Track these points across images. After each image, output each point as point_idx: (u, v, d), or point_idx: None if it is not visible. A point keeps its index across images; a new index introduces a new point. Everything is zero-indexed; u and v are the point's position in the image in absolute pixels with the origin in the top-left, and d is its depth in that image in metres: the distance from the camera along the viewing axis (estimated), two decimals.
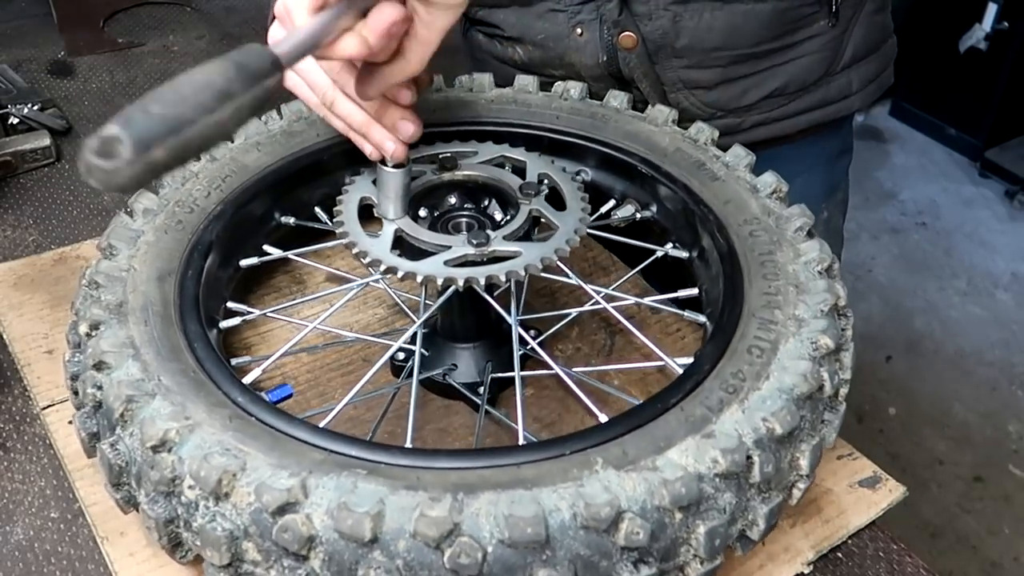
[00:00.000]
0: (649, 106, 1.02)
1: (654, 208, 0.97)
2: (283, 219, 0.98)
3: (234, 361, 0.85)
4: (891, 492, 0.83)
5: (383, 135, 0.80)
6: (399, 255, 0.79)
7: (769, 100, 1.14)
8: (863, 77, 1.18)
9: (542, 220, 0.84)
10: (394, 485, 0.62)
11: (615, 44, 1.09)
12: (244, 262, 0.93)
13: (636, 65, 1.09)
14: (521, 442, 0.73)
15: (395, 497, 0.61)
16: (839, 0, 1.10)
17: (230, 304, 0.89)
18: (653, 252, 0.95)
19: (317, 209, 1.00)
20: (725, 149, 0.96)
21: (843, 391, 0.77)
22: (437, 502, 0.60)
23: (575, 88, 1.05)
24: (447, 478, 0.63)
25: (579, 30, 1.10)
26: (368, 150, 0.82)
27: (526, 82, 1.07)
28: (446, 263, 0.77)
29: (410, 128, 0.80)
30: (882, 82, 1.22)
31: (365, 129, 0.81)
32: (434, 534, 0.59)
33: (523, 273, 0.76)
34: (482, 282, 0.75)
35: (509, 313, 0.81)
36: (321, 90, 0.82)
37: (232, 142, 0.97)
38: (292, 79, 0.83)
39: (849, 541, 0.81)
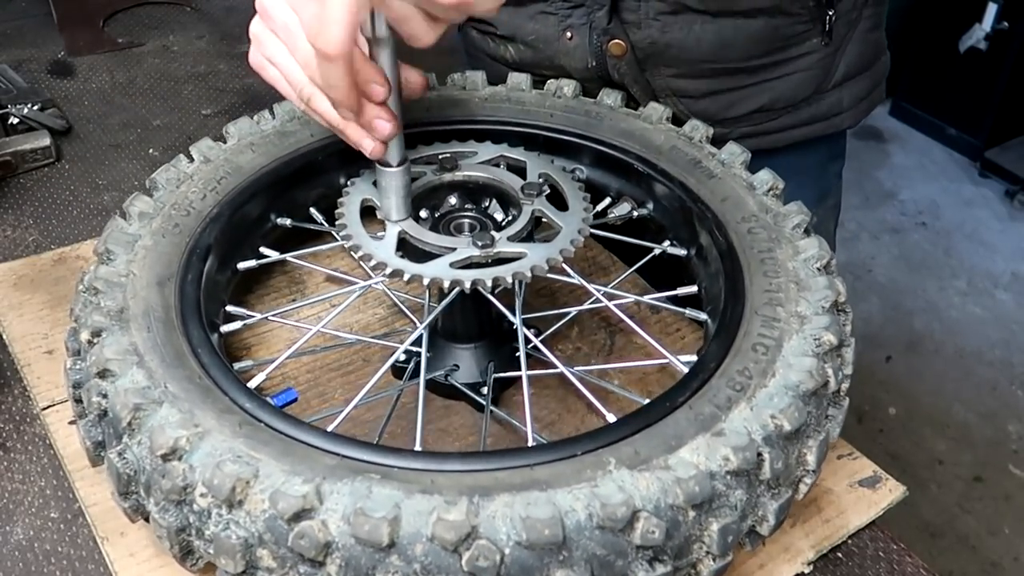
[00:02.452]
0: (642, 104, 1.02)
1: (651, 206, 0.97)
2: (279, 221, 0.97)
3: (236, 365, 0.84)
4: (891, 492, 0.84)
5: (360, 133, 0.78)
6: (403, 257, 0.79)
7: (758, 114, 1.14)
8: (854, 95, 1.18)
9: (543, 220, 0.84)
10: (409, 489, 0.62)
11: (604, 51, 1.09)
12: (242, 265, 0.92)
13: (626, 71, 1.09)
14: (531, 443, 0.73)
15: (411, 501, 0.61)
16: (833, 19, 1.09)
17: (229, 307, 0.88)
18: (650, 250, 0.95)
19: (312, 210, 0.99)
20: (720, 146, 0.96)
21: (845, 386, 0.78)
22: (453, 505, 0.60)
23: (568, 86, 1.06)
24: (461, 481, 0.63)
25: (569, 34, 1.10)
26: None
27: (519, 80, 1.07)
28: (451, 265, 0.76)
29: (386, 127, 0.77)
30: (873, 99, 1.22)
31: (342, 127, 0.79)
32: (452, 538, 0.59)
33: (529, 274, 0.76)
34: (488, 284, 0.75)
35: (512, 313, 0.81)
36: (298, 86, 0.79)
37: (225, 143, 0.96)
38: (271, 73, 0.81)
39: (849, 541, 0.81)
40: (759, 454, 0.67)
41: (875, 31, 1.18)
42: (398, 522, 0.60)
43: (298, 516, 0.61)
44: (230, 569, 0.63)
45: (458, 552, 0.60)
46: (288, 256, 0.95)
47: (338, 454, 0.66)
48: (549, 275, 0.83)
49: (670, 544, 0.63)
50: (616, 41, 1.07)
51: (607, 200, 1.00)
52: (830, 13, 1.09)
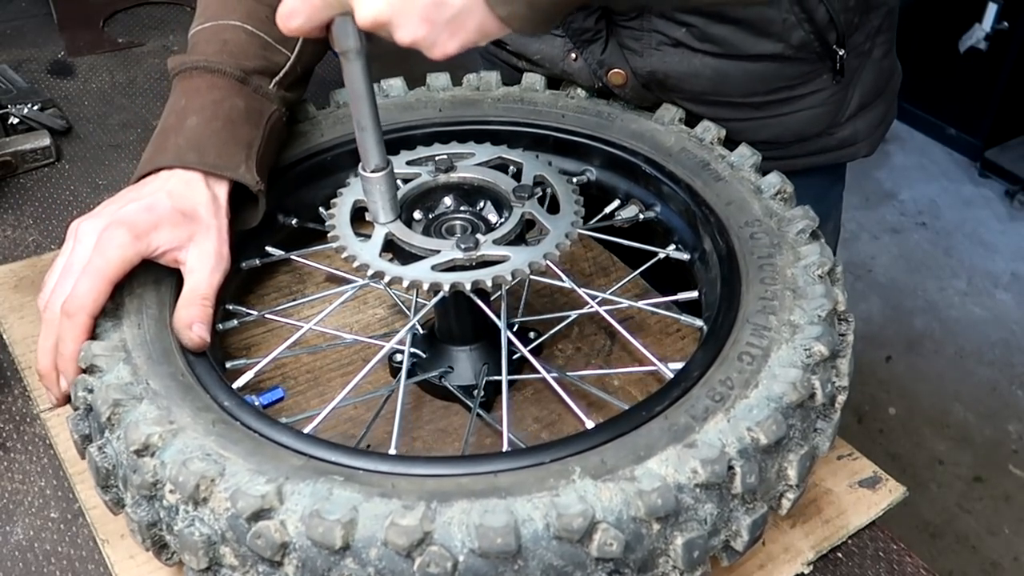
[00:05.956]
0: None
1: (658, 209, 0.96)
2: (285, 220, 0.98)
3: (230, 363, 0.86)
4: (891, 492, 0.82)
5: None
6: (390, 259, 0.79)
7: (763, 144, 1.07)
8: (870, 123, 1.12)
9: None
10: (369, 492, 0.62)
11: (605, 80, 1.05)
12: (245, 263, 0.93)
13: (631, 95, 1.06)
14: (506, 448, 0.73)
15: (369, 505, 0.61)
16: (843, 56, 1.03)
17: (229, 305, 0.89)
18: (654, 254, 0.94)
19: (321, 210, 1.00)
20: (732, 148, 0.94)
21: (840, 398, 0.76)
22: (410, 510, 0.60)
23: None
24: (423, 485, 0.63)
25: (573, 55, 1.06)
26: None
27: (533, 80, 1.06)
28: (434, 268, 0.76)
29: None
30: (887, 122, 1.16)
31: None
32: (404, 543, 0.59)
33: (510, 278, 0.75)
34: (468, 287, 0.75)
35: (502, 317, 0.81)
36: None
37: None
38: None
39: (849, 541, 0.80)
40: (730, 467, 0.65)
41: (888, 56, 1.12)
42: (354, 525, 0.60)
43: (257, 515, 0.61)
44: (194, 565, 0.64)
45: (411, 557, 0.59)
46: (291, 255, 0.96)
47: (306, 454, 0.66)
48: (540, 279, 0.82)
49: (632, 557, 0.62)
50: (616, 71, 1.03)
51: (615, 203, 0.99)
52: (840, 53, 1.03)
